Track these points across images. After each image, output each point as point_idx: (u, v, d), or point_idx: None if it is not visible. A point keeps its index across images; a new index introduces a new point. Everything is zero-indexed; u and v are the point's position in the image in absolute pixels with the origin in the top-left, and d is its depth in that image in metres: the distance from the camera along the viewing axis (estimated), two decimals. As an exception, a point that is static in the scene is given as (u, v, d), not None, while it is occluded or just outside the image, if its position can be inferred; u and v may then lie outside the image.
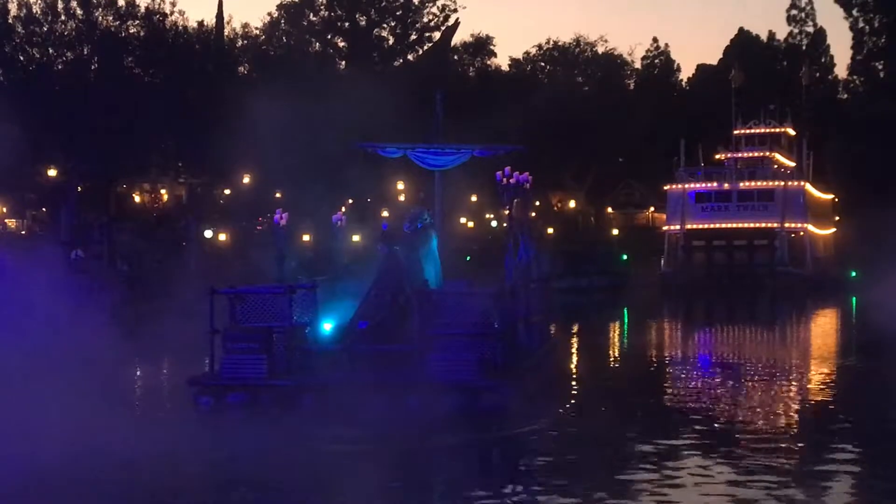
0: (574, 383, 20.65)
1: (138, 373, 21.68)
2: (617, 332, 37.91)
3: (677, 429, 15.61)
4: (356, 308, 16.44)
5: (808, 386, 21.12)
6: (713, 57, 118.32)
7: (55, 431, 13.48)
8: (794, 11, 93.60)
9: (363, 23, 70.98)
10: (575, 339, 31.49)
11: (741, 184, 65.47)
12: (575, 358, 26.06)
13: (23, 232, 49.10)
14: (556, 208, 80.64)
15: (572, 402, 17.75)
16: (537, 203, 71.48)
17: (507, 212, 17.42)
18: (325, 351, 15.99)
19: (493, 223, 67.77)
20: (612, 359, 27.41)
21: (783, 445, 14.42)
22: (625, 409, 17.08)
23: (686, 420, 16.38)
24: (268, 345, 15.47)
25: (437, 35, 73.20)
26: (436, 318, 15.21)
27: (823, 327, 39.50)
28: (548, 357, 19.04)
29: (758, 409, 17.48)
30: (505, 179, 17.29)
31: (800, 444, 14.73)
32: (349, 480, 12.25)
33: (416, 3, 71.92)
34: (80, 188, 51.16)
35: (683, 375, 23.14)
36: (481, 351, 14.94)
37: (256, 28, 68.62)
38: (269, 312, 15.85)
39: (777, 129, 71.35)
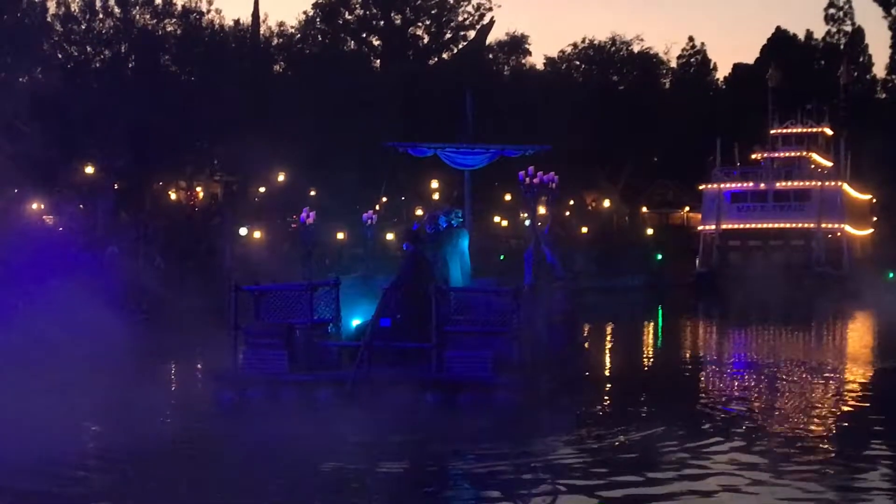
0: (596, 384, 20.13)
1: (164, 367, 21.86)
2: (650, 332, 37.60)
3: (707, 434, 14.75)
4: (378, 305, 16.48)
5: (846, 388, 20.50)
6: (750, 56, 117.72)
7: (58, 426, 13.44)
8: (832, 10, 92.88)
9: (398, 21, 71.20)
10: (605, 340, 30.97)
11: (777, 184, 65.03)
12: (602, 358, 25.63)
13: (60, 228, 49.60)
14: (590, 207, 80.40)
15: (592, 403, 17.48)
16: (571, 202, 71.32)
17: (543, 211, 17.33)
18: (345, 347, 16.08)
19: (528, 222, 67.66)
20: (642, 359, 26.85)
21: (823, 448, 14.08)
22: (649, 412, 16.45)
23: (717, 424, 15.61)
24: (289, 341, 15.63)
25: (472, 34, 73.27)
26: (455, 315, 15.24)
27: (860, 329, 38.99)
28: (573, 357, 18.89)
29: (795, 413, 16.98)
30: (528, 179, 17.26)
31: (839, 449, 14.20)
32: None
33: (452, 2, 72.03)
34: (116, 185, 51.70)
35: (716, 377, 22.61)
36: (497, 349, 14.96)
37: (292, 27, 69.18)
38: (291, 309, 16.00)
39: (814, 129, 70.66)
